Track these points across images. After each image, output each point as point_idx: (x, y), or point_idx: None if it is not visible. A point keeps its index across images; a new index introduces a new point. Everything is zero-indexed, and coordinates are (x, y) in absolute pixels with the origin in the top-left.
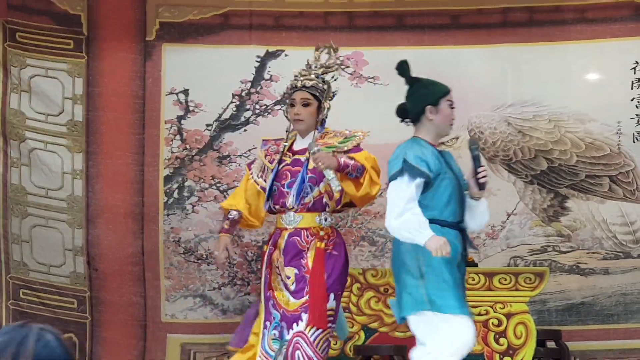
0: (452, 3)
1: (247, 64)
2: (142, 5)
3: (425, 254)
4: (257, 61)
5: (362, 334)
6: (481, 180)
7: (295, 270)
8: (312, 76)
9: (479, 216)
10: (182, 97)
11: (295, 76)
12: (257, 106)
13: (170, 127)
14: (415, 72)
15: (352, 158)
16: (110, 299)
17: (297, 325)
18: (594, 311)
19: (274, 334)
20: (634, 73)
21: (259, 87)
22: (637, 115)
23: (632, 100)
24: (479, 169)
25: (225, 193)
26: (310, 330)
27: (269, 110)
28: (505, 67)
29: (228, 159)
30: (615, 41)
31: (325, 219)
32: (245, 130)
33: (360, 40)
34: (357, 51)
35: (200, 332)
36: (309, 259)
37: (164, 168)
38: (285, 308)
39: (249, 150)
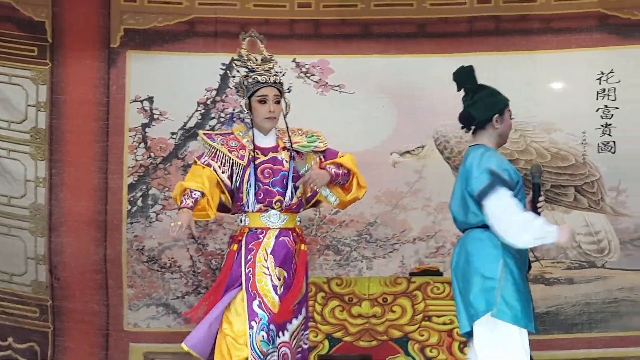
0: (418, 12)
1: (212, 72)
2: (106, 12)
3: (509, 258)
4: (222, 69)
5: (326, 343)
6: (539, 211)
7: (285, 274)
8: (274, 71)
9: None
10: (146, 104)
11: (253, 69)
12: (222, 114)
13: (135, 135)
14: (380, 81)
15: (339, 165)
16: (73, 308)
17: (284, 334)
18: (558, 320)
19: (263, 336)
20: (599, 83)
21: (224, 95)
22: (602, 125)
23: (597, 110)
24: (539, 199)
25: None
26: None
27: (234, 119)
28: None
29: None
30: (580, 51)
31: (299, 221)
32: None
33: (326, 49)
34: (323, 59)
35: (163, 341)
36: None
37: (128, 176)
38: (272, 310)
39: None
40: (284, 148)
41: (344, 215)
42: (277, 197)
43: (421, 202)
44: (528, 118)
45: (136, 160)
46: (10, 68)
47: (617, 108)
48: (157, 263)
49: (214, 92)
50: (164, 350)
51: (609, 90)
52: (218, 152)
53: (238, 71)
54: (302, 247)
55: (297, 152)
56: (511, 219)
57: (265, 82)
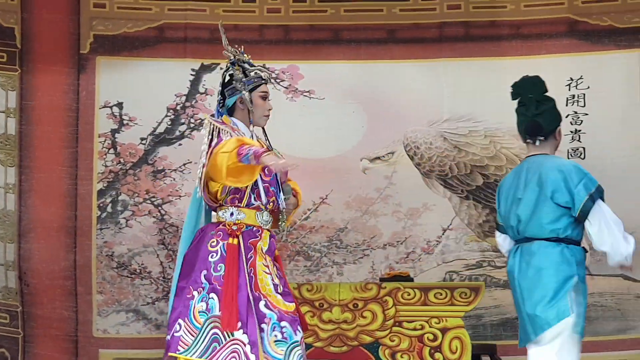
0: (388, 17)
1: (182, 78)
2: (76, 18)
3: (581, 274)
4: (192, 74)
5: None
6: None
7: (279, 273)
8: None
9: None
10: (116, 110)
11: (252, 65)
12: (192, 120)
13: (104, 141)
14: (350, 86)
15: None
16: (42, 314)
17: (299, 331)
18: None
19: (276, 336)
20: (569, 90)
21: (194, 101)
22: (571, 131)
23: (566, 116)
24: None
25: (159, 207)
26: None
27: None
28: (441, 81)
29: (163, 173)
30: (550, 57)
31: None
32: (180, 145)
33: (295, 54)
34: (293, 65)
35: (134, 347)
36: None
37: (98, 182)
38: (280, 308)
39: (184, 164)
40: None
41: (314, 221)
42: (272, 197)
43: (391, 208)
44: (498, 124)
45: (106, 166)
46: None
47: (587, 114)
48: (127, 269)
49: (184, 98)
50: (134, 356)
51: (578, 96)
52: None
53: (234, 64)
54: (276, 252)
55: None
56: (618, 235)
57: (265, 80)
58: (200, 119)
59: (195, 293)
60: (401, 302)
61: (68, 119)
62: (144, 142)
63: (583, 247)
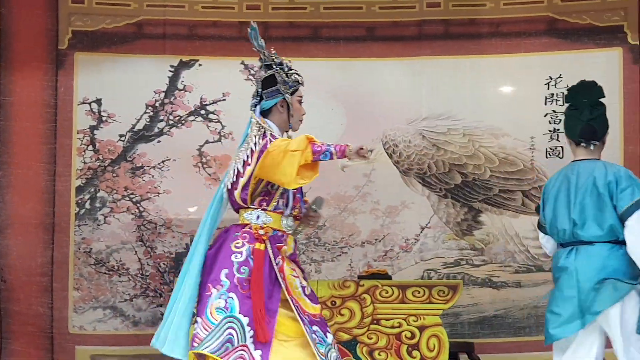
0: (368, 15)
1: (160, 74)
2: (54, 14)
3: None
4: (170, 71)
5: None
6: None
7: (304, 275)
8: None
9: None
10: (94, 106)
11: (292, 69)
12: (171, 117)
13: (83, 137)
14: (330, 84)
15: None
16: (19, 310)
17: (330, 333)
18: (506, 324)
19: (314, 339)
20: (548, 88)
21: (173, 98)
22: (550, 130)
23: (545, 115)
24: None
25: (138, 204)
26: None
27: (183, 121)
28: (421, 79)
29: (141, 170)
30: (529, 56)
31: None
32: (159, 142)
33: (275, 51)
34: None
35: (111, 343)
36: None
37: (76, 178)
38: (309, 312)
39: (163, 161)
40: None
41: None
42: (298, 204)
43: (370, 205)
44: (476, 122)
45: (84, 162)
46: None
47: None
48: (104, 266)
49: (163, 95)
50: (110, 353)
51: (557, 95)
52: None
53: (271, 66)
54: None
55: None
56: None
57: (302, 83)
58: (179, 115)
59: (214, 290)
60: (379, 299)
61: (46, 115)
62: (122, 138)
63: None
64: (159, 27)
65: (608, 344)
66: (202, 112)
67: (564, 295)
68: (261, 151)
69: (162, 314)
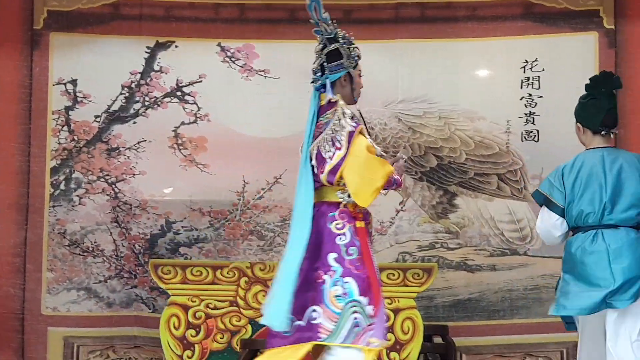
0: None
1: (136, 55)
2: None
3: None
4: (146, 52)
5: (249, 327)
6: None
7: None
8: None
9: None
10: (70, 87)
11: (352, 42)
12: (147, 98)
13: (58, 118)
14: (306, 66)
15: None
16: None
17: None
18: (480, 307)
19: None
20: (524, 72)
21: (149, 79)
22: (525, 114)
23: (521, 99)
24: None
25: (113, 185)
26: None
27: (159, 103)
28: (397, 63)
29: (117, 151)
30: (505, 39)
31: None
32: (134, 123)
33: (251, 33)
34: (248, 44)
35: (84, 325)
36: None
37: (51, 159)
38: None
39: (138, 142)
40: None
41: (268, 200)
42: None
43: None
44: (452, 106)
45: (59, 143)
46: None
47: (541, 97)
48: (79, 247)
49: (139, 76)
50: (84, 334)
51: (533, 78)
52: (363, 129)
53: (336, 39)
54: None
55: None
56: None
57: (360, 57)
58: (155, 97)
59: (326, 277)
60: None
61: (21, 96)
62: (98, 119)
63: None
64: (136, 8)
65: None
66: (178, 93)
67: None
68: (350, 135)
69: (137, 295)
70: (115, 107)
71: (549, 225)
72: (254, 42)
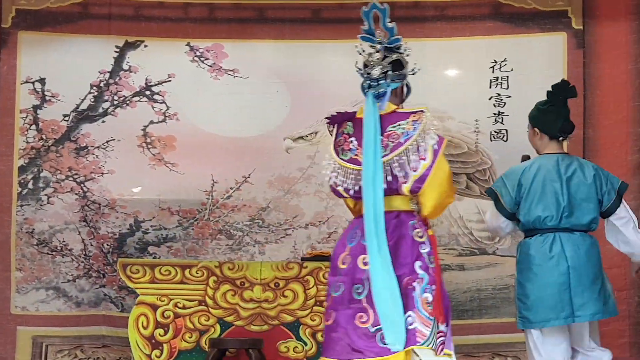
0: None
1: (105, 54)
2: None
3: None
4: (115, 51)
5: (217, 327)
6: None
7: None
8: None
9: None
10: (38, 86)
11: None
12: (116, 97)
13: (26, 117)
14: (275, 66)
15: None
16: None
17: None
18: None
19: None
20: (493, 72)
21: (118, 78)
22: (494, 114)
23: (490, 98)
24: None
25: (82, 185)
26: None
27: (128, 102)
28: None
29: (85, 150)
30: (474, 39)
31: None
32: (103, 122)
33: (220, 33)
34: (217, 43)
35: (53, 324)
36: None
37: (19, 158)
38: None
39: (107, 141)
40: None
41: (237, 200)
42: None
43: (314, 187)
44: (421, 105)
45: (27, 142)
46: None
47: (510, 96)
48: (47, 246)
49: (108, 75)
50: (53, 333)
51: (502, 78)
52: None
53: (399, 49)
54: None
55: None
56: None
57: None
58: (124, 96)
59: (415, 284)
60: (322, 281)
61: None
62: (66, 118)
63: None
64: (105, 7)
65: None
66: (147, 92)
67: (547, 283)
68: (438, 146)
69: (105, 295)
70: (84, 106)
71: (496, 225)
72: (223, 41)
